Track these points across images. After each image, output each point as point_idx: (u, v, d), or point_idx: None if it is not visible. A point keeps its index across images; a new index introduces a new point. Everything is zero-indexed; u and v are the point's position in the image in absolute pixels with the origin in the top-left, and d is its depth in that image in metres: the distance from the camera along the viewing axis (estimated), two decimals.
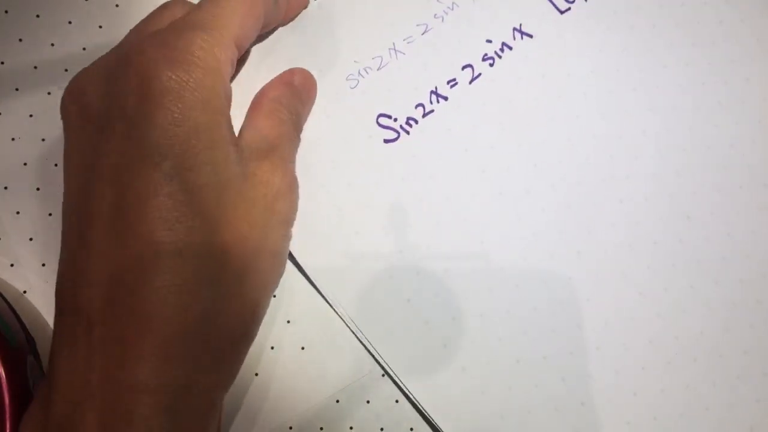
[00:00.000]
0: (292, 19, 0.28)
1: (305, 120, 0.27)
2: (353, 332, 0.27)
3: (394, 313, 0.27)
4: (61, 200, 0.26)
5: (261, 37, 0.28)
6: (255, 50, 0.28)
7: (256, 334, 0.22)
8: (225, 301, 0.20)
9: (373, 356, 0.27)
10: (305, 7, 0.28)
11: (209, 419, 0.20)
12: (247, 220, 0.21)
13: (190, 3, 0.24)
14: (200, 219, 0.19)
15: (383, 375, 0.27)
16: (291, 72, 0.27)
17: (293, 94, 0.26)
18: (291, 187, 0.24)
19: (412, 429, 0.27)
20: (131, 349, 0.18)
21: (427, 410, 0.26)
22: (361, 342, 0.27)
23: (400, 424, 0.26)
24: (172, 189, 0.19)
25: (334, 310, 0.27)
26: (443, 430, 0.26)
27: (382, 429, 0.26)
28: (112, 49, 0.23)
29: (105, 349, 0.18)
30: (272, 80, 0.27)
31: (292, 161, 0.26)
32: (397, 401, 0.27)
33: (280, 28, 0.29)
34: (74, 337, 0.19)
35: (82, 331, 0.18)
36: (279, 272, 0.24)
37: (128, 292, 0.18)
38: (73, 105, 0.21)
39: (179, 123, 0.19)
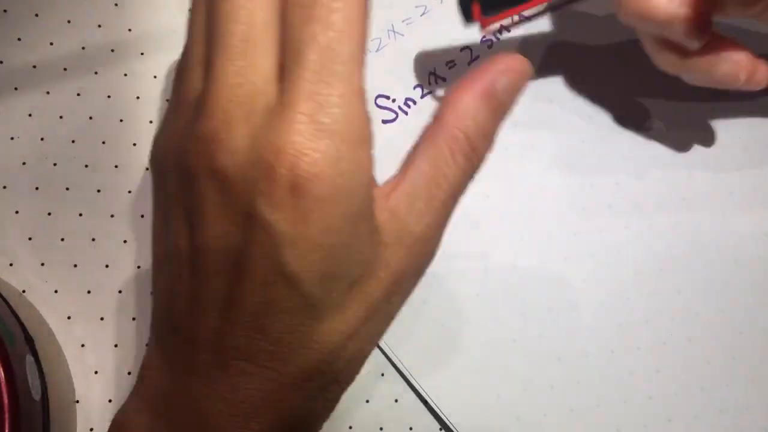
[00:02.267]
0: None
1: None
2: None
3: (409, 315, 0.27)
4: (61, 199, 0.26)
5: None
6: None
7: None
8: (339, 382, 0.21)
9: (388, 358, 0.27)
10: None
11: None
12: (366, 314, 0.20)
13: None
14: (323, 326, 0.19)
15: (382, 375, 0.27)
16: (495, 71, 0.20)
17: (491, 112, 0.20)
18: (421, 266, 0.21)
19: (411, 428, 0.27)
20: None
21: (443, 412, 0.26)
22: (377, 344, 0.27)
23: (399, 423, 0.26)
24: (305, 303, 0.19)
25: None
26: (460, 431, 0.26)
27: (381, 428, 0.26)
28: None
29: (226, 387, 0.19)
30: (467, 82, 0.20)
31: (442, 226, 0.21)
32: (396, 400, 0.27)
33: None
34: (197, 367, 0.20)
35: (205, 363, 0.19)
36: None
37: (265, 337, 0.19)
38: (213, 192, 0.18)
39: (321, 245, 0.18)
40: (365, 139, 0.18)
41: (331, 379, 0.21)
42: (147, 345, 0.22)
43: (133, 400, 0.21)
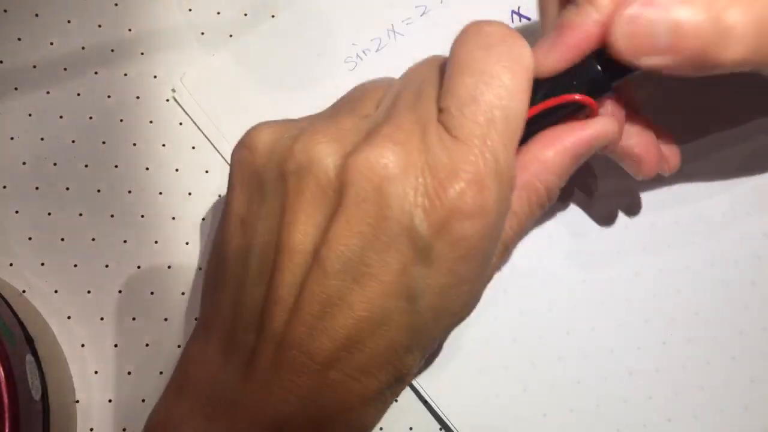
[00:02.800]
0: None
1: None
2: None
3: None
4: (61, 199, 0.26)
5: (257, 26, 0.28)
6: (253, 37, 0.28)
7: None
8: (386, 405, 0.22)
9: None
10: None
11: None
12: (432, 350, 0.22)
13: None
14: (411, 355, 0.20)
15: None
16: (591, 135, 0.21)
17: (573, 168, 0.21)
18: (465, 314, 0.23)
19: (411, 429, 0.27)
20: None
21: (443, 411, 0.26)
22: None
23: (399, 423, 0.26)
24: (410, 323, 0.19)
25: None
26: (460, 431, 0.26)
27: (381, 429, 0.26)
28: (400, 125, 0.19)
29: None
30: (558, 136, 0.21)
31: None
32: (396, 400, 0.27)
33: (272, 14, 0.28)
34: (281, 370, 0.19)
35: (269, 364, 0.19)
36: None
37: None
38: (368, 184, 0.18)
39: (454, 273, 0.19)
40: (513, 188, 0.19)
41: (395, 392, 0.21)
42: (193, 340, 0.21)
43: (180, 400, 0.20)
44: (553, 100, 0.20)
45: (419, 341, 0.20)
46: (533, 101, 0.20)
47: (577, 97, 0.20)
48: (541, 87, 0.20)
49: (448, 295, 0.19)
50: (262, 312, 0.19)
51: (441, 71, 0.21)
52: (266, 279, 0.19)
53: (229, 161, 0.22)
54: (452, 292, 0.19)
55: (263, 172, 0.20)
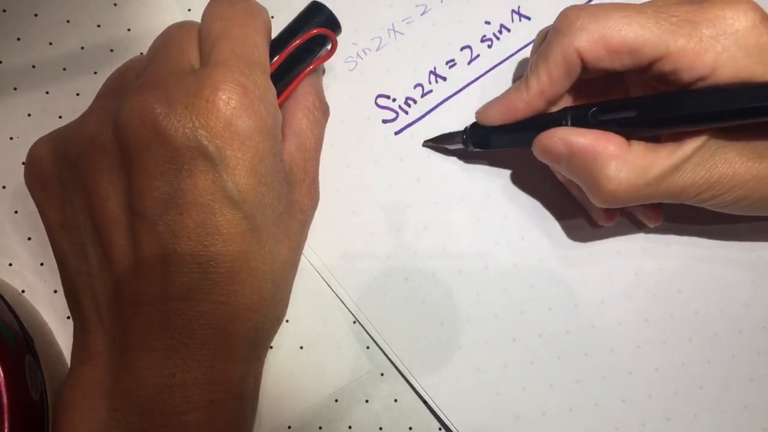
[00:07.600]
0: None
1: None
2: (369, 333, 0.27)
3: (409, 314, 0.27)
4: None
5: None
6: None
7: None
8: (276, 316, 0.23)
9: (387, 357, 0.27)
10: None
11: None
12: (289, 246, 0.24)
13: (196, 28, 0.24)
14: (264, 252, 0.22)
15: (382, 374, 0.27)
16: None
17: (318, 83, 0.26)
18: (316, 206, 0.26)
19: (411, 428, 0.27)
20: (214, 357, 0.21)
21: (443, 410, 0.26)
22: (376, 343, 0.27)
23: (399, 423, 0.26)
24: (248, 227, 0.21)
25: (349, 310, 0.27)
26: (459, 430, 0.26)
27: (381, 428, 0.26)
28: (159, 75, 0.22)
29: (187, 356, 0.21)
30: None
31: (318, 171, 0.26)
32: (396, 400, 0.27)
33: (272, 15, 0.28)
34: (152, 327, 0.20)
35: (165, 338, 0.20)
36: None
37: (213, 308, 0.21)
38: (145, 131, 0.20)
39: (255, 171, 0.21)
40: (275, 101, 0.22)
41: (274, 306, 0.23)
42: (74, 348, 0.22)
43: (81, 399, 0.21)
44: (300, 38, 0.25)
45: (265, 242, 0.22)
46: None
47: (315, 30, 0.25)
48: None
49: (264, 193, 0.21)
50: (115, 289, 0.21)
51: (189, 29, 0.23)
52: (105, 260, 0.21)
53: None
54: (265, 189, 0.21)
55: (58, 175, 0.22)
